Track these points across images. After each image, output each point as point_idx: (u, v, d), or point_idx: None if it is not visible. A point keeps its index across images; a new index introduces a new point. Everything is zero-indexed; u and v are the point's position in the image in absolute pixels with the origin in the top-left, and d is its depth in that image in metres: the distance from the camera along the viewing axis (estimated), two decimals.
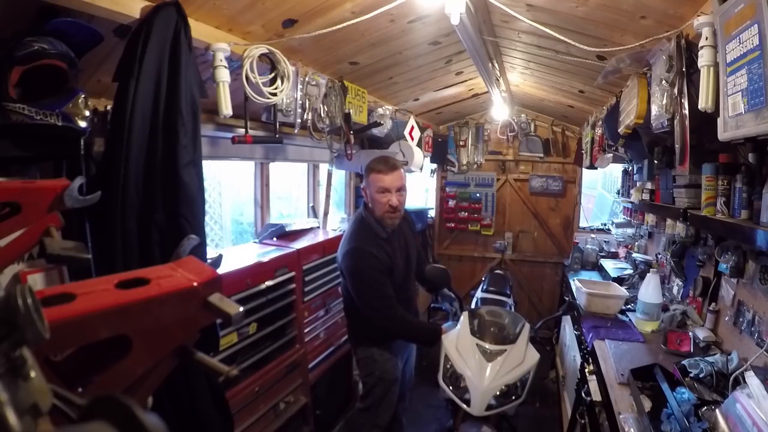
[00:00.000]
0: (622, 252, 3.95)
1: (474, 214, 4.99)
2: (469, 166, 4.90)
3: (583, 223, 4.84)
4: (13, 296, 0.42)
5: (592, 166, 3.79)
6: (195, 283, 0.72)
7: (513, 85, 3.74)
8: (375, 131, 3.17)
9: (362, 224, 2.14)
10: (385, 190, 2.06)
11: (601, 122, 3.09)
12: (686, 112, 1.54)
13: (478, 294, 3.65)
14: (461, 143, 4.86)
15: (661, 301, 2.36)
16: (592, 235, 4.43)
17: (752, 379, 1.27)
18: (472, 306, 3.24)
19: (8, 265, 1.06)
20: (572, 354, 2.82)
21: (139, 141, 1.34)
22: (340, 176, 3.94)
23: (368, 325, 2.16)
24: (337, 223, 3.78)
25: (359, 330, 2.28)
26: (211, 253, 2.20)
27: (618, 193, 4.04)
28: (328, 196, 3.49)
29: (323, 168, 3.46)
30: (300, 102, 2.22)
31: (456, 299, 2.56)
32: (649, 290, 2.34)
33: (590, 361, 2.22)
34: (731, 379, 1.56)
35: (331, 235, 2.97)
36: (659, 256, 3.00)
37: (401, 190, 2.11)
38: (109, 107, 1.51)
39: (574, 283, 3.02)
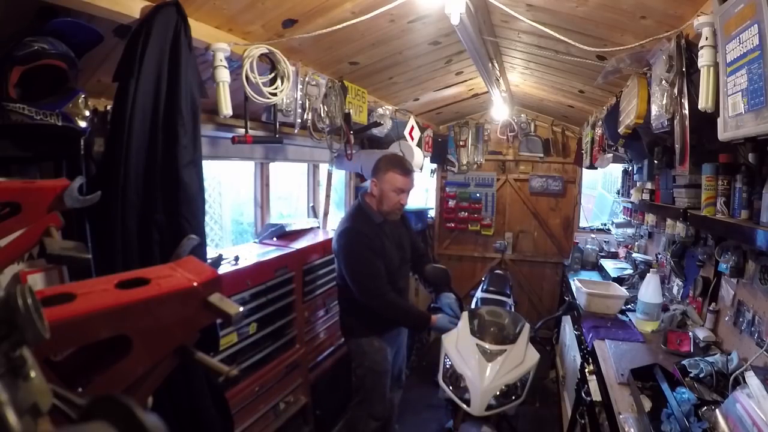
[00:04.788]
0: (622, 252, 3.95)
1: (474, 214, 4.99)
2: (469, 166, 4.90)
3: (583, 223, 4.84)
4: (13, 296, 0.42)
5: (592, 166, 3.79)
6: (195, 283, 0.72)
7: (513, 85, 3.74)
8: (375, 131, 3.17)
9: (359, 209, 2.29)
10: (400, 191, 2.22)
11: (601, 122, 3.09)
12: (686, 112, 1.54)
13: (478, 294, 3.65)
14: (461, 143, 4.86)
15: (661, 301, 2.36)
16: (592, 235, 4.43)
17: (752, 379, 1.27)
18: (472, 306, 3.23)
19: (8, 265, 1.06)
20: (572, 354, 2.81)
21: (139, 141, 1.34)
22: (340, 176, 3.94)
23: (359, 314, 2.23)
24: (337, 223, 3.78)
25: (350, 319, 2.35)
26: (211, 253, 2.20)
27: (618, 193, 4.04)
28: (328, 196, 3.49)
29: (323, 168, 3.46)
30: (300, 102, 2.22)
31: (457, 300, 2.56)
32: (649, 290, 2.34)
33: (590, 361, 2.22)
34: (731, 379, 1.56)
35: (331, 235, 2.96)
36: (659, 256, 3.00)
37: (410, 192, 2.29)
38: (109, 107, 1.51)
39: (574, 283, 3.02)
